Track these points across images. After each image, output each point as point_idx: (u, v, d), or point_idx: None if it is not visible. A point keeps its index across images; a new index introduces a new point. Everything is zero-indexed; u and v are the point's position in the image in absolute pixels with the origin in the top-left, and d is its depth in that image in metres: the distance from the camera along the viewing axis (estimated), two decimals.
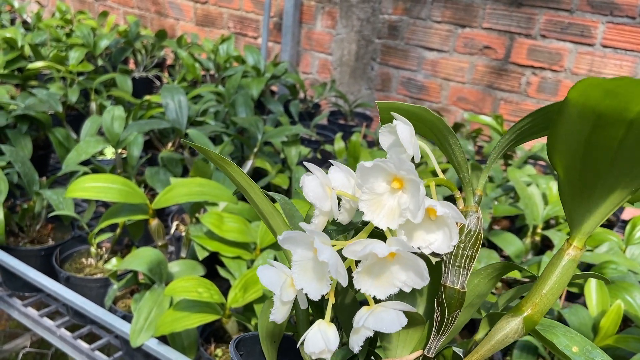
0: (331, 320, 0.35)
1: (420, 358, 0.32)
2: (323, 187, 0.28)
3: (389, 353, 0.33)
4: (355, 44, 2.01)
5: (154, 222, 0.82)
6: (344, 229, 0.33)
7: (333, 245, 0.27)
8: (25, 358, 1.52)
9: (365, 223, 0.31)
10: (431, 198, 0.27)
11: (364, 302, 0.30)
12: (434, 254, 0.28)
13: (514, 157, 1.34)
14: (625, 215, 1.30)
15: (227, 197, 0.81)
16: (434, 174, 1.13)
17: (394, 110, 0.29)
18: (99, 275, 0.91)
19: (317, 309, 0.35)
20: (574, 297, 0.97)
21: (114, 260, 0.86)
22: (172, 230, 0.98)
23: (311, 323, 0.33)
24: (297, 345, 0.30)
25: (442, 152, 0.30)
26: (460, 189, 0.32)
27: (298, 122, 1.52)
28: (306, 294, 0.27)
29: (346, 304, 0.33)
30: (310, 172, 0.29)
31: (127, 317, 0.80)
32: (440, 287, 0.30)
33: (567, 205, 0.28)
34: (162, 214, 1.09)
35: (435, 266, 0.31)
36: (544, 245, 1.02)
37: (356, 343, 0.27)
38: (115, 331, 0.80)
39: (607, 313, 0.70)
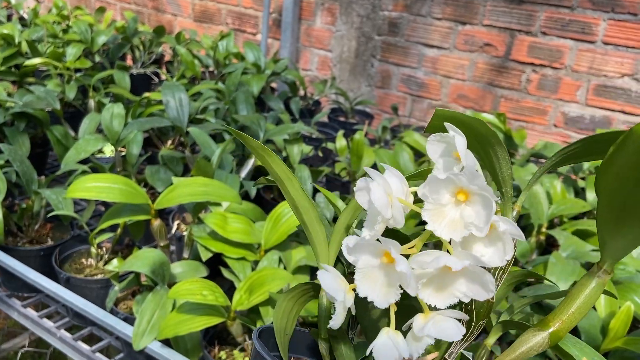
0: (353, 323, 0.34)
1: None
2: (386, 195, 0.28)
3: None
4: (355, 41, 2.00)
5: (156, 223, 0.81)
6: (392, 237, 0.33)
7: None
8: (23, 357, 1.51)
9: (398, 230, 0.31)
10: None
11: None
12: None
13: (516, 156, 1.33)
14: None
15: (230, 197, 0.80)
16: None
17: (452, 119, 0.30)
18: (99, 276, 0.89)
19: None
20: None
21: (114, 261, 0.85)
22: (173, 230, 0.97)
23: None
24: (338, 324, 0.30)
25: (485, 165, 0.30)
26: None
27: (299, 119, 1.51)
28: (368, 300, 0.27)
29: (371, 310, 0.34)
30: (370, 177, 0.28)
31: (129, 319, 0.79)
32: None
33: (603, 231, 0.28)
34: (163, 213, 1.08)
35: None
36: (549, 244, 1.01)
37: (416, 351, 0.27)
38: (117, 333, 0.79)
39: (617, 315, 0.69)
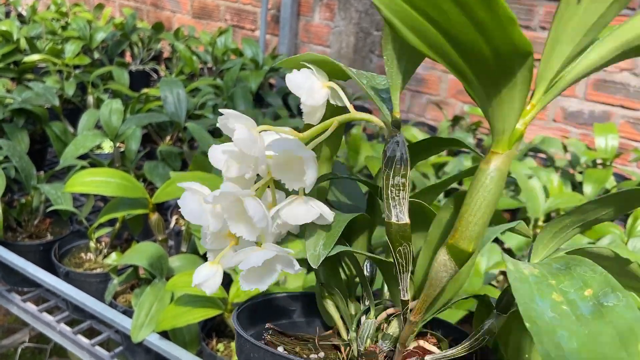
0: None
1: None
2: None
3: (396, 300, 0.32)
4: (353, 37, 2.00)
5: (154, 217, 0.82)
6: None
7: None
8: (24, 353, 1.52)
9: None
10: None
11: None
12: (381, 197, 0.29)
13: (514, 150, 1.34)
14: None
15: None
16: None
17: (294, 63, 0.30)
18: (98, 270, 0.90)
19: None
20: None
21: (113, 255, 0.85)
22: (172, 225, 0.97)
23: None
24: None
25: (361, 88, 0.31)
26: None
27: (297, 115, 1.51)
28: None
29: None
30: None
31: (128, 312, 0.80)
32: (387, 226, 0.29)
33: (479, 105, 0.24)
34: (161, 208, 1.09)
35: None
36: None
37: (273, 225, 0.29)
38: (115, 326, 0.79)
39: None
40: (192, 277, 0.71)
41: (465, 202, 0.25)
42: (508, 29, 0.19)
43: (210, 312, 0.69)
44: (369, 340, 0.32)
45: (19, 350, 1.49)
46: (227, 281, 0.81)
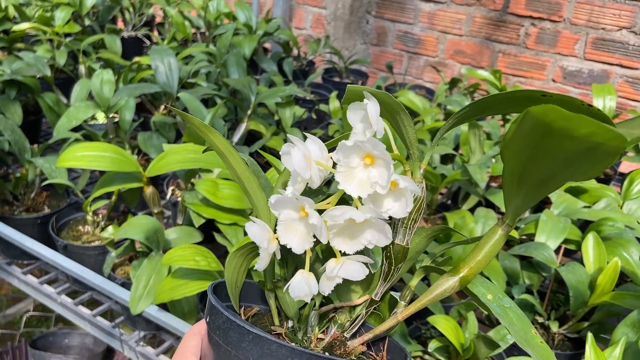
0: (294, 271, 0.39)
1: (368, 301, 0.38)
2: (305, 158, 0.32)
3: (341, 298, 0.39)
4: None
5: (149, 190, 0.82)
6: (312, 193, 0.38)
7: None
8: (29, 321, 1.55)
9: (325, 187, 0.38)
10: None
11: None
12: (390, 218, 0.33)
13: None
14: (622, 168, 1.30)
15: (221, 163, 0.80)
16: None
17: (362, 93, 0.34)
18: (96, 243, 0.90)
19: (281, 261, 0.40)
20: (571, 252, 0.98)
21: (110, 228, 0.86)
22: (168, 196, 0.97)
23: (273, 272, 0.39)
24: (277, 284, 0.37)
25: (395, 131, 0.35)
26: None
27: (292, 81, 1.49)
28: (284, 247, 0.33)
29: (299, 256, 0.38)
30: (293, 143, 0.32)
31: (127, 284, 0.81)
32: (388, 244, 0.35)
33: (507, 191, 0.33)
34: (158, 179, 1.09)
35: None
36: (541, 202, 1.02)
37: (327, 288, 0.33)
38: (114, 299, 0.80)
39: (604, 270, 0.70)
40: (187, 250, 0.71)
41: (480, 251, 0.35)
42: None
43: (207, 285, 0.69)
44: (317, 328, 0.38)
45: (24, 318, 1.52)
46: (225, 250, 0.82)
